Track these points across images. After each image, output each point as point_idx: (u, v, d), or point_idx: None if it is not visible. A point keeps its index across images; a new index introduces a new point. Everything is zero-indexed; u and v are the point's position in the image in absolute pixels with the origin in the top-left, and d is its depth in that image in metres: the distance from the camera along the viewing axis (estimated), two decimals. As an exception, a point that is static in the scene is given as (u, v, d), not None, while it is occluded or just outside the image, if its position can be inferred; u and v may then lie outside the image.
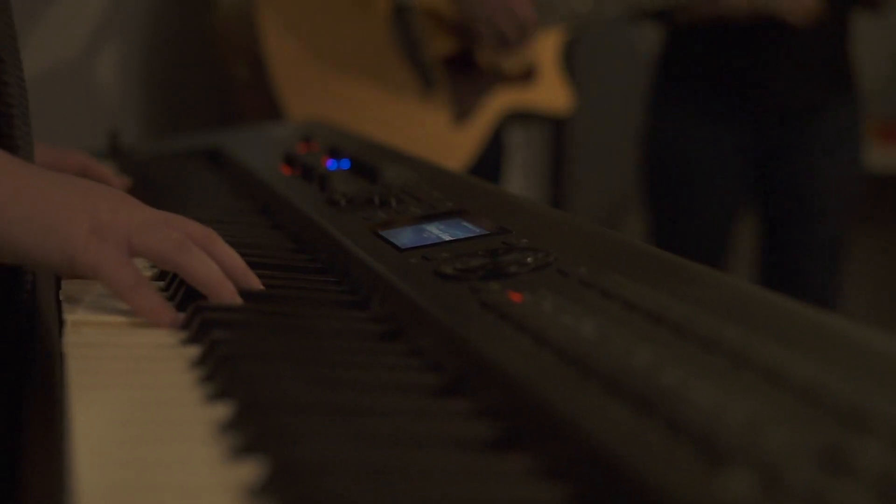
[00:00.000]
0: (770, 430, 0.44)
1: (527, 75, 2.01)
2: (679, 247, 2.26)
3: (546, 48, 2.07)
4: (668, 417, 0.46)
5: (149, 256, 0.73)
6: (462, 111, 1.94)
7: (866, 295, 3.10)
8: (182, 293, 0.73)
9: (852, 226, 2.39)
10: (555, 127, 3.09)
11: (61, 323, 0.70)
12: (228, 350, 0.60)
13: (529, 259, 0.71)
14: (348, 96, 1.87)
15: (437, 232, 0.83)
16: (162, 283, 0.78)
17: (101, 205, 0.72)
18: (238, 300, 0.71)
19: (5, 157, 0.72)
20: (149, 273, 0.81)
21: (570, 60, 2.97)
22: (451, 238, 0.81)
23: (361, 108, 1.87)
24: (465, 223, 0.85)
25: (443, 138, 1.94)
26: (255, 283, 0.75)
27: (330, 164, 1.15)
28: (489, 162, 2.05)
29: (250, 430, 0.49)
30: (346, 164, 1.14)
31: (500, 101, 2.00)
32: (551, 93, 2.09)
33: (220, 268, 0.72)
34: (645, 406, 0.48)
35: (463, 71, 1.97)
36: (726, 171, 2.24)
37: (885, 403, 0.45)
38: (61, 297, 0.76)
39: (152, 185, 1.19)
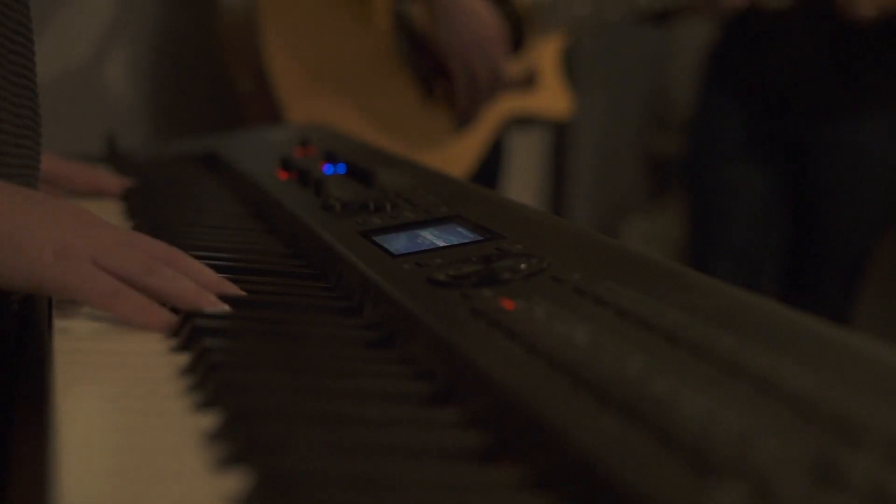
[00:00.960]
0: (761, 441, 0.44)
1: (527, 81, 2.00)
2: (718, 241, 2.26)
3: (546, 53, 2.07)
4: (659, 428, 0.46)
5: (115, 278, 0.72)
6: (464, 118, 1.94)
7: (869, 304, 3.07)
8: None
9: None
10: (555, 132, 3.09)
11: (52, 328, 0.70)
12: (218, 358, 0.59)
13: (523, 265, 0.71)
14: (351, 106, 1.87)
15: (432, 237, 0.83)
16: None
17: (65, 226, 0.71)
18: (222, 307, 0.71)
19: None
20: None
21: (571, 65, 2.97)
22: (445, 244, 0.81)
23: (364, 118, 1.87)
24: (459, 229, 0.84)
25: (444, 146, 1.94)
26: (231, 289, 0.74)
27: (326, 168, 1.15)
28: (488, 166, 2.05)
29: (237, 441, 0.48)
30: (342, 168, 1.14)
31: (501, 108, 2.00)
32: (552, 98, 2.09)
33: (172, 293, 0.71)
34: (636, 416, 0.47)
35: None
36: (763, 167, 2.22)
37: (877, 415, 0.45)
38: (53, 303, 0.75)
39: (149, 190, 1.19)
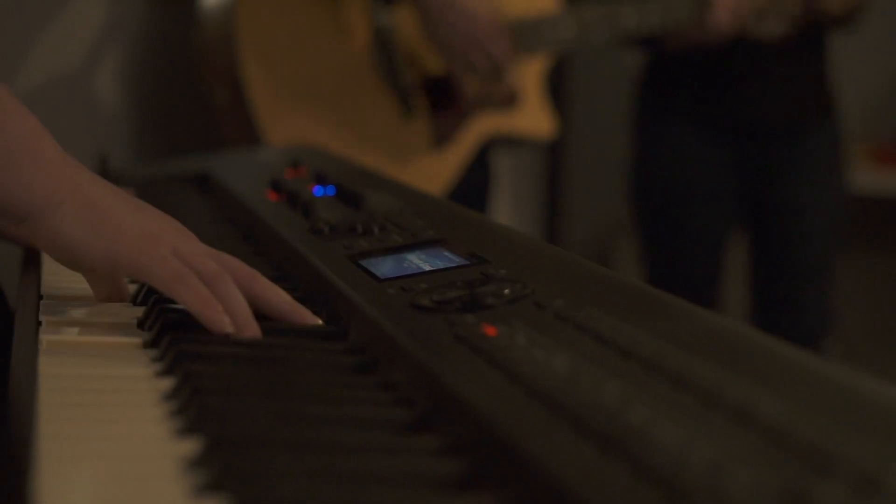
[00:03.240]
0: (734, 471, 0.44)
1: (509, 100, 2.00)
2: (671, 270, 2.29)
3: (529, 73, 2.07)
4: (634, 457, 0.46)
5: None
6: (442, 136, 1.94)
7: (860, 316, 3.10)
8: (159, 323, 0.73)
9: (844, 247, 2.41)
10: (546, 153, 3.10)
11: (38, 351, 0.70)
12: (200, 384, 0.59)
13: (506, 291, 0.71)
14: (327, 120, 1.87)
15: (417, 261, 0.83)
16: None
17: (152, 220, 0.76)
18: (227, 330, 0.71)
19: (70, 160, 0.75)
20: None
21: (561, 85, 2.98)
22: (431, 268, 0.81)
23: (340, 132, 1.87)
24: (445, 252, 0.85)
25: (422, 163, 1.94)
26: (308, 317, 0.76)
27: (316, 190, 1.15)
28: (476, 188, 2.05)
29: (216, 468, 0.49)
30: (331, 190, 1.14)
31: (481, 127, 2.00)
32: (534, 118, 2.09)
33: (256, 306, 0.74)
34: (611, 445, 0.48)
35: (444, 95, 1.97)
36: (714, 192, 2.26)
37: (850, 446, 0.45)
38: (41, 317, 0.76)
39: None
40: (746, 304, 2.40)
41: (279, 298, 0.76)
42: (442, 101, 1.97)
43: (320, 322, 0.76)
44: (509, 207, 2.86)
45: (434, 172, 1.95)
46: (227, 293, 0.72)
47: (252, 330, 0.71)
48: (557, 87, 2.87)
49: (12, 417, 0.63)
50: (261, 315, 0.75)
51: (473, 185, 2.03)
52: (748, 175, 2.25)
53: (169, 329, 0.71)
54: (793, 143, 2.22)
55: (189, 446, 0.53)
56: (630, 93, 2.40)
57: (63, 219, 0.72)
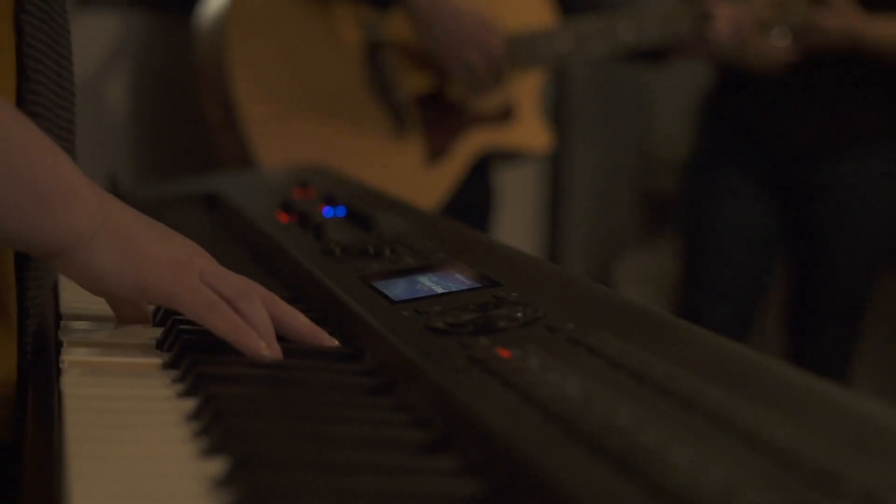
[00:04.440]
0: (745, 492, 0.46)
1: (504, 115, 2.01)
2: (713, 294, 2.28)
3: (525, 87, 2.07)
4: (648, 478, 0.48)
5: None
6: (436, 150, 1.95)
7: (871, 330, 3.06)
8: (178, 344, 0.74)
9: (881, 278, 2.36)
10: (548, 170, 3.11)
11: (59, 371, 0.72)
12: (222, 405, 0.61)
13: (519, 314, 0.73)
14: (319, 137, 1.88)
15: (430, 284, 0.85)
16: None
17: (178, 247, 0.77)
18: (278, 356, 0.73)
19: (98, 190, 0.76)
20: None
21: (563, 100, 3.00)
22: (444, 290, 0.83)
23: (332, 149, 1.87)
24: (457, 275, 0.86)
25: (415, 178, 1.94)
26: (326, 340, 0.78)
27: (326, 211, 1.17)
28: (477, 203, 2.06)
29: (242, 488, 0.50)
30: (342, 211, 1.16)
31: (475, 141, 2.00)
32: (529, 133, 2.09)
33: (275, 327, 0.75)
34: (625, 466, 0.49)
35: (437, 110, 1.97)
36: (756, 208, 2.24)
37: (857, 467, 0.47)
38: (60, 337, 0.78)
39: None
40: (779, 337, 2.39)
41: (298, 321, 0.77)
42: (435, 116, 1.97)
43: (338, 344, 0.78)
44: (510, 222, 2.88)
45: (428, 187, 1.95)
46: (254, 312, 0.74)
47: (276, 351, 0.73)
48: (559, 102, 2.89)
49: (37, 436, 0.64)
50: (279, 337, 0.76)
51: (474, 201, 2.03)
52: (789, 199, 2.23)
53: (188, 350, 0.72)
54: (843, 169, 2.19)
55: (214, 466, 0.54)
56: (636, 106, 2.41)
57: (94, 251, 0.74)
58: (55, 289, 0.92)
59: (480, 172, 2.05)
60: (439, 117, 1.97)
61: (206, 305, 0.73)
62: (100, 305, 0.84)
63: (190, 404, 0.64)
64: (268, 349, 0.72)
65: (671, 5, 2.10)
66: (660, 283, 3.19)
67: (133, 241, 0.75)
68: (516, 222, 3.02)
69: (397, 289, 0.84)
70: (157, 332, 0.79)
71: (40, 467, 0.59)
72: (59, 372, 0.71)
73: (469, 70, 1.90)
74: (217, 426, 0.58)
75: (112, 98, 2.06)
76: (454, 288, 0.83)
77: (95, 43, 2.04)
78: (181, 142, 2.17)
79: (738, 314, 2.28)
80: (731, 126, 2.26)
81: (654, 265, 3.29)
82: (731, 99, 2.26)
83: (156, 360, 0.74)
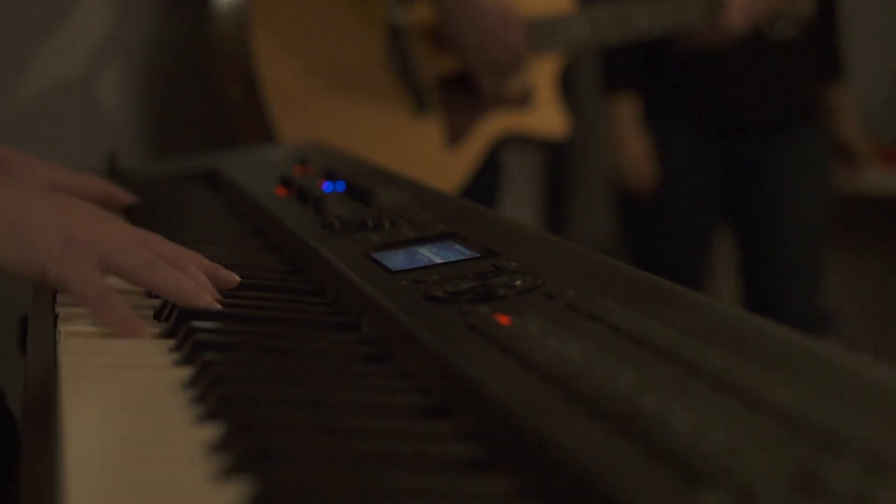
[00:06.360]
0: (747, 453, 0.45)
1: (522, 99, 2.01)
2: (656, 261, 2.32)
3: (542, 72, 2.08)
4: (648, 440, 0.47)
5: (120, 275, 0.75)
6: (455, 134, 1.95)
7: (863, 315, 3.11)
8: (176, 313, 0.74)
9: (829, 247, 2.44)
10: (553, 151, 3.10)
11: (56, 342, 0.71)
12: (219, 372, 0.60)
13: (518, 282, 0.72)
14: (341, 118, 1.88)
15: (429, 255, 0.84)
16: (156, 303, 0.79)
17: (75, 221, 0.75)
18: (216, 306, 0.73)
19: None
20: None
21: (570, 84, 2.99)
22: (443, 261, 0.82)
23: (354, 130, 1.88)
24: (456, 246, 0.86)
25: (435, 160, 1.95)
26: (232, 279, 0.78)
27: (325, 186, 1.16)
28: (486, 185, 2.06)
29: (238, 451, 0.50)
30: (341, 186, 1.15)
31: (494, 125, 2.01)
32: (546, 117, 2.10)
33: (172, 292, 0.74)
34: (626, 429, 0.49)
35: (458, 93, 1.97)
36: (700, 185, 2.31)
37: (858, 426, 0.46)
38: (57, 310, 0.77)
39: (150, 206, 1.20)
40: (736, 302, 2.43)
41: (203, 279, 0.77)
42: (456, 99, 1.98)
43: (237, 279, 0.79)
44: (516, 205, 2.87)
45: (447, 170, 1.96)
46: (164, 279, 0.74)
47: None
48: (567, 86, 2.88)
49: (34, 402, 0.64)
50: (277, 308, 0.75)
51: (484, 184, 2.03)
52: (733, 170, 2.29)
53: (185, 319, 0.72)
54: (778, 141, 2.26)
55: (210, 432, 0.54)
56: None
57: None
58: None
59: (490, 155, 2.06)
60: (460, 101, 1.97)
61: (94, 298, 0.72)
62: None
63: (186, 372, 0.64)
64: (152, 335, 0.72)
65: None
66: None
67: (24, 224, 0.73)
68: (521, 204, 3.01)
69: (396, 260, 0.84)
70: (155, 302, 0.79)
71: (37, 440, 0.58)
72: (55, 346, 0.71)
73: (490, 63, 1.90)
74: (212, 392, 0.58)
75: (116, 82, 2.05)
76: (453, 258, 0.82)
77: (94, 29, 2.03)
78: (191, 125, 2.16)
79: (683, 277, 2.32)
80: (673, 108, 2.30)
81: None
82: (676, 79, 2.29)
83: (153, 330, 0.73)
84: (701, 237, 2.35)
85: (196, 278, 0.76)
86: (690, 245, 2.35)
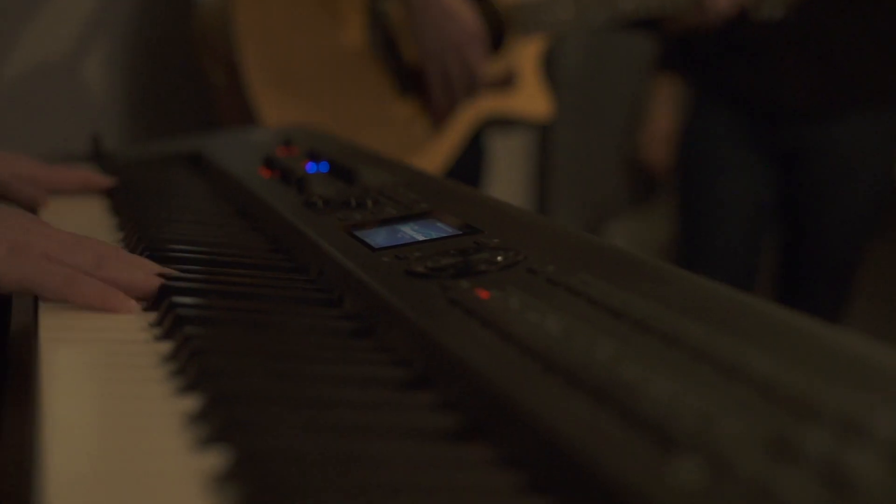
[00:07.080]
0: (722, 420, 0.45)
1: (506, 82, 2.01)
2: (708, 249, 2.29)
3: (527, 55, 2.08)
4: (625, 409, 0.48)
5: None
6: (438, 117, 1.95)
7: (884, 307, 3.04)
8: (158, 288, 0.74)
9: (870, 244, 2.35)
10: (538, 134, 3.11)
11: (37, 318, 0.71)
12: (199, 345, 0.61)
13: (499, 258, 0.72)
14: (323, 102, 1.88)
15: (411, 232, 0.84)
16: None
17: (15, 226, 0.75)
18: (133, 310, 0.72)
19: None
20: None
21: (555, 67, 2.99)
22: (425, 238, 0.82)
23: (336, 113, 1.87)
24: (438, 224, 0.86)
25: (418, 144, 1.94)
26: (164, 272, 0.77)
27: (309, 167, 1.16)
28: (469, 168, 2.06)
29: (216, 421, 0.50)
30: (325, 167, 1.15)
31: (478, 108, 2.00)
32: (531, 100, 2.10)
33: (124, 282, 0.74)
34: (604, 399, 0.49)
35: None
36: (751, 174, 2.25)
37: (833, 395, 0.46)
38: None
39: (134, 188, 1.20)
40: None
41: (147, 266, 0.76)
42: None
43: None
44: (500, 188, 2.87)
45: (431, 154, 1.95)
46: (115, 271, 0.73)
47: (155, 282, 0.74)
48: (552, 69, 2.88)
49: (14, 376, 0.64)
50: (259, 284, 0.75)
51: (467, 166, 2.03)
52: (782, 159, 2.24)
53: (166, 294, 0.72)
54: (836, 132, 2.18)
55: (190, 403, 0.54)
56: (627, 74, 2.42)
57: None
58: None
59: (474, 139, 2.05)
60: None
61: (65, 283, 0.71)
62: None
63: (167, 347, 0.64)
64: (137, 306, 0.71)
65: None
66: (650, 247, 3.19)
67: None
68: (505, 187, 3.01)
69: (378, 237, 0.84)
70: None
71: (16, 414, 0.58)
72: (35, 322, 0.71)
73: (445, 76, 1.88)
74: (193, 365, 0.58)
75: (99, 65, 2.04)
76: (435, 235, 0.82)
77: (78, 12, 2.02)
78: (175, 108, 2.16)
79: (737, 282, 2.28)
80: (724, 92, 2.27)
81: (644, 231, 3.30)
82: (723, 65, 2.26)
83: (134, 303, 0.73)
84: (752, 223, 2.28)
85: (149, 276, 0.75)
86: (742, 230, 2.28)
